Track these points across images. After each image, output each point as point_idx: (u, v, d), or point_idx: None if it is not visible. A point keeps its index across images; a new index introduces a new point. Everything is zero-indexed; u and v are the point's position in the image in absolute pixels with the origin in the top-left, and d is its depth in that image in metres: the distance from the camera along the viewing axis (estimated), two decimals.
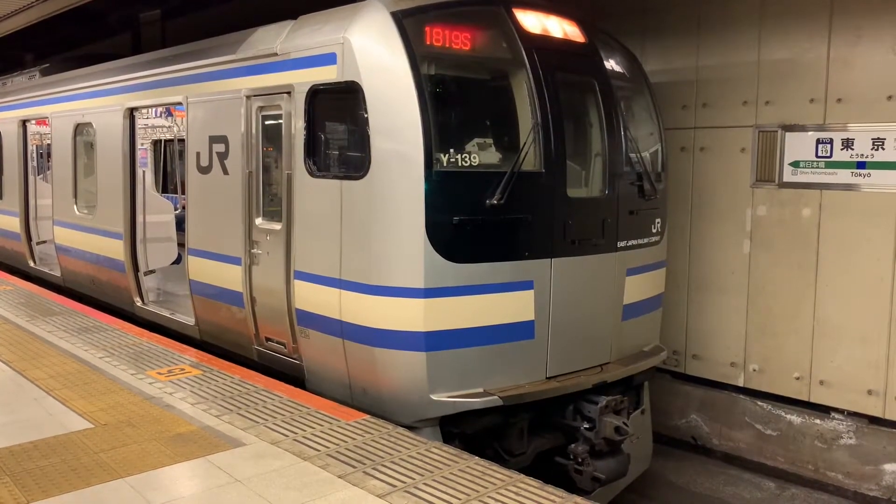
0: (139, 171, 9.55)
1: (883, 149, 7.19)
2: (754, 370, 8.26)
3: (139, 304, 9.40)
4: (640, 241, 7.02)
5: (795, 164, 7.79)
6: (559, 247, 6.24)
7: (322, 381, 6.51)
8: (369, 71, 5.84)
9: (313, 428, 5.43)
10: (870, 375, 7.40)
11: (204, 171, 7.80)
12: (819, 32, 7.55)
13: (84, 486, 4.42)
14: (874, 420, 7.44)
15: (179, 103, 8.30)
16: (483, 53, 6.38)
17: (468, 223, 5.82)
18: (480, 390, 5.90)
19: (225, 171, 7.47)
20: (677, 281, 8.62)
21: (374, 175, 5.79)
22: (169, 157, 16.90)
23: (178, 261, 9.96)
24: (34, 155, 13.40)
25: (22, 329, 8.30)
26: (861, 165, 7.33)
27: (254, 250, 7.08)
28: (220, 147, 7.52)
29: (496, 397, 5.83)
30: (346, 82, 5.97)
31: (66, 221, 10.98)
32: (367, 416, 5.71)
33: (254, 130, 7.10)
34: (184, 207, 9.57)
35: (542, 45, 6.34)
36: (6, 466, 4.69)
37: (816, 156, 7.63)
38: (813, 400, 7.82)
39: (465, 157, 5.91)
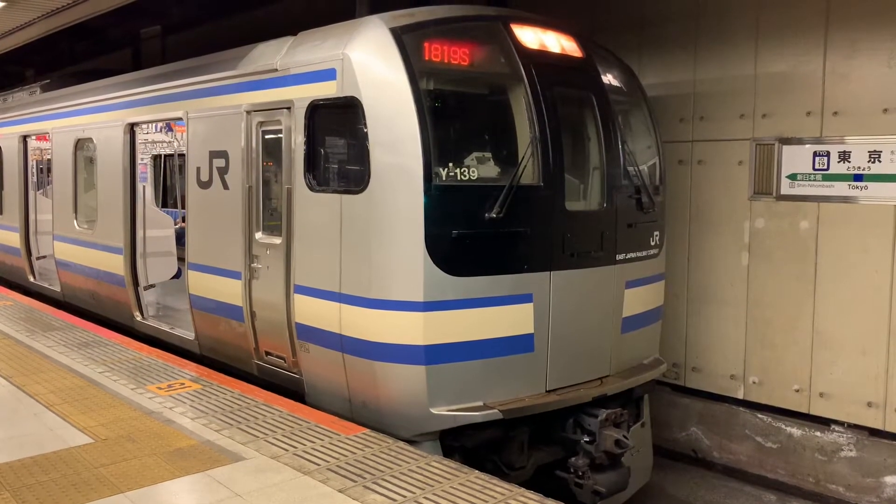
0: (139, 186, 9.57)
1: (879, 161, 7.23)
2: (754, 382, 8.26)
3: (139, 318, 9.40)
4: (639, 254, 7.04)
5: (793, 177, 7.82)
6: (558, 260, 6.26)
7: (322, 395, 6.51)
8: (369, 86, 5.88)
9: (313, 442, 5.43)
10: (869, 387, 7.41)
11: (204, 185, 7.83)
12: (815, 46, 7.61)
13: (84, 502, 4.42)
14: (874, 432, 7.43)
15: (180, 118, 8.34)
16: (481, 68, 6.43)
17: (467, 237, 5.84)
18: (480, 404, 5.90)
19: (225, 186, 7.50)
20: (676, 293, 8.64)
21: (373, 189, 5.82)
22: (169, 171, 16.94)
23: (178, 275, 9.97)
24: (34, 170, 13.43)
25: (22, 344, 8.30)
26: (858, 178, 7.37)
27: (254, 264, 7.09)
28: (220, 162, 7.55)
29: (496, 411, 5.83)
30: (345, 97, 6.01)
31: (66, 236, 11.00)
32: (367, 430, 5.71)
33: (254, 145, 7.14)
34: (184, 219, 9.60)
35: (540, 60, 6.39)
36: (6, 482, 4.68)
37: (814, 168, 7.66)
38: (813, 412, 7.82)
39: (464, 170, 5.95)
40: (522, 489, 4.68)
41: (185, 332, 8.45)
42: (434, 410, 5.78)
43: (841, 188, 7.48)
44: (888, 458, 7.33)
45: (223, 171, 7.51)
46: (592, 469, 6.39)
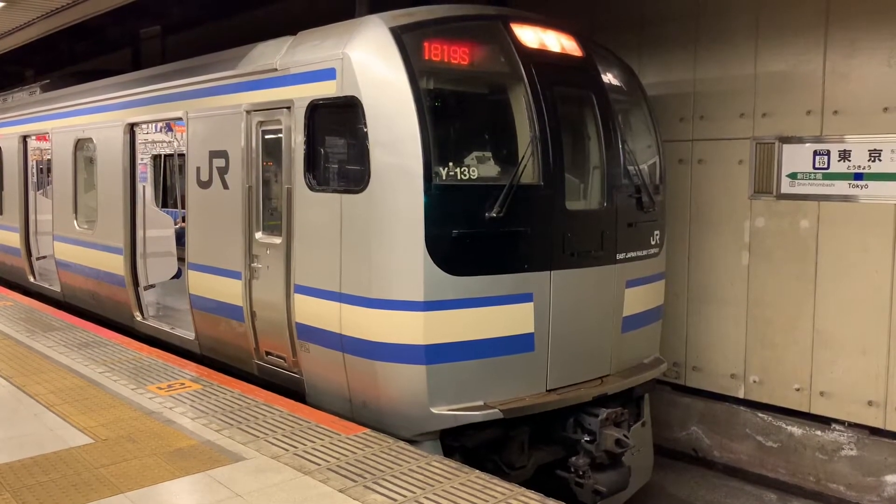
0: (139, 186, 9.57)
1: (880, 160, 7.22)
2: (754, 381, 8.25)
3: (139, 318, 9.40)
4: (639, 253, 7.04)
5: (793, 176, 7.82)
6: (558, 259, 6.25)
7: (322, 395, 6.51)
8: (369, 85, 5.88)
9: (314, 442, 5.42)
10: (870, 386, 7.40)
11: (204, 185, 7.83)
12: (815, 45, 7.61)
13: (84, 502, 4.42)
14: (875, 431, 7.43)
15: (180, 118, 8.34)
16: (481, 68, 6.42)
17: (467, 236, 5.84)
18: (481, 403, 5.90)
19: (225, 186, 7.49)
20: (677, 292, 8.63)
21: (373, 189, 5.82)
22: (169, 171, 16.93)
23: (178, 275, 9.97)
24: (34, 170, 13.43)
25: (22, 344, 8.30)
26: (858, 177, 7.36)
27: (254, 264, 7.09)
28: (220, 162, 7.55)
29: (497, 410, 5.83)
30: (345, 97, 6.01)
31: (67, 236, 11.00)
32: (368, 430, 5.71)
33: (254, 145, 7.13)
34: (184, 219, 9.60)
35: (540, 60, 6.39)
36: (6, 482, 4.68)
37: (814, 167, 7.66)
38: (813, 411, 7.82)
39: (465, 170, 5.94)
40: (523, 489, 4.67)
41: (185, 333, 8.45)
42: (434, 410, 5.78)
43: (841, 187, 7.48)
44: (889, 456, 7.32)
45: (223, 171, 7.50)
46: (593, 468, 6.39)
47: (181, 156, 13.61)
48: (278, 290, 6.74)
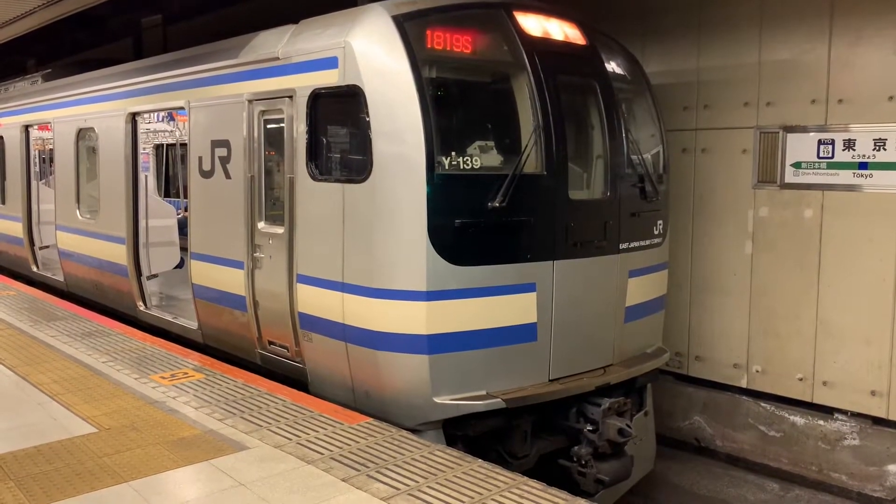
0: (141, 176, 9.56)
1: (884, 149, 7.19)
2: (757, 371, 8.25)
3: (142, 308, 9.41)
4: (642, 243, 7.02)
5: (797, 165, 7.79)
6: (561, 249, 6.24)
7: (325, 385, 6.52)
8: (371, 74, 5.85)
9: (317, 431, 5.43)
10: (873, 376, 7.40)
11: (206, 175, 7.82)
12: (819, 33, 7.56)
13: (89, 491, 4.43)
14: (878, 421, 7.43)
15: (181, 108, 8.32)
16: (484, 56, 6.40)
17: (470, 226, 5.83)
18: (483, 393, 5.91)
19: (227, 176, 7.48)
20: (680, 282, 8.63)
21: (376, 178, 5.80)
22: (171, 161, 16.92)
23: (181, 265, 9.98)
24: (37, 160, 13.42)
25: (25, 334, 8.31)
26: (863, 166, 7.33)
27: (256, 254, 7.09)
28: (222, 151, 7.53)
29: (499, 400, 5.84)
30: (347, 86, 5.99)
31: (69, 226, 11.00)
32: (371, 420, 5.71)
33: (256, 134, 7.12)
34: (186, 209, 9.59)
35: (543, 48, 6.36)
36: (11, 471, 4.70)
37: (818, 156, 7.63)
38: (816, 401, 7.82)
39: (467, 159, 5.93)
40: (525, 478, 4.68)
41: (188, 322, 8.46)
42: (437, 399, 5.79)
43: (846, 176, 7.45)
44: (891, 446, 7.33)
45: (225, 161, 7.49)
46: (595, 458, 6.40)
47: (183, 145, 13.59)
48: (281, 280, 6.74)
